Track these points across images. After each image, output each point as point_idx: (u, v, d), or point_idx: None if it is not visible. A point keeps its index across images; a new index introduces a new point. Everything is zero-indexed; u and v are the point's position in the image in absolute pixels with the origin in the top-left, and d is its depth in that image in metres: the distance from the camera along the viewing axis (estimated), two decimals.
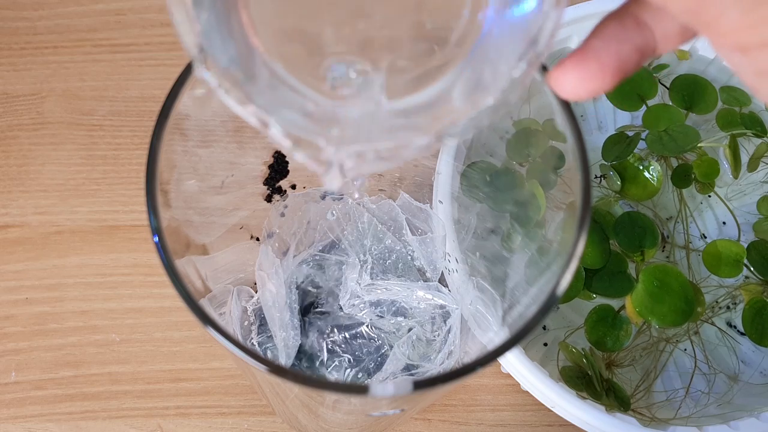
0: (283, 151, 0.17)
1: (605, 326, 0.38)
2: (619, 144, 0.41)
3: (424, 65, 0.17)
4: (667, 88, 0.42)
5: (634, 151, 0.41)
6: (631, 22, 0.17)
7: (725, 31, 0.14)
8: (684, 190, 0.42)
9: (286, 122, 0.17)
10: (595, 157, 0.42)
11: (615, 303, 0.38)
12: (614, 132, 0.43)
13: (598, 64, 0.17)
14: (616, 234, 0.39)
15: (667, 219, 0.42)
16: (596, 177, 0.42)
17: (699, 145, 0.40)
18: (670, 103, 0.42)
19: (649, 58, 0.18)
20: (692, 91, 0.42)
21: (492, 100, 0.17)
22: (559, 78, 0.17)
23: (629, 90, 0.41)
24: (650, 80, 0.42)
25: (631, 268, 0.39)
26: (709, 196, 0.44)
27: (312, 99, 0.18)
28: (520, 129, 0.35)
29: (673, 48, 0.18)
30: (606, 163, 0.41)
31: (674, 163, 0.42)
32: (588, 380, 0.37)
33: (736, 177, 0.41)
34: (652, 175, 0.40)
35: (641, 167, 0.40)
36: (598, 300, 0.39)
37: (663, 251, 0.41)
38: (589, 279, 0.38)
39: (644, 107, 0.41)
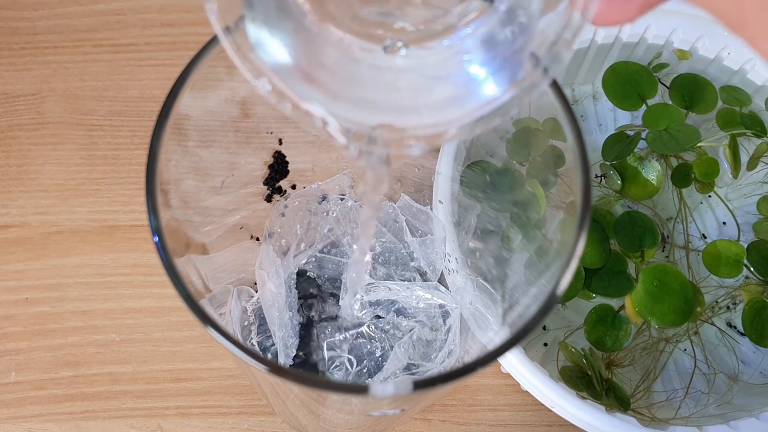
0: (337, 145, 0.18)
1: (605, 326, 0.38)
2: (619, 143, 0.41)
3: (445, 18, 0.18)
4: (667, 87, 0.42)
5: (634, 150, 0.41)
6: None
7: (764, 51, 0.16)
8: (684, 190, 0.42)
9: (340, 114, 0.18)
10: (596, 156, 0.42)
11: (614, 303, 0.38)
12: (613, 131, 0.43)
13: None
14: (615, 233, 0.39)
15: (668, 219, 0.42)
16: (596, 176, 0.42)
17: (699, 144, 0.40)
18: (670, 103, 0.42)
19: None
20: (692, 90, 0.42)
21: (506, 97, 0.18)
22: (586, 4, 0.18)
23: (629, 89, 0.41)
24: (650, 80, 0.42)
25: (631, 268, 0.39)
26: (709, 196, 0.44)
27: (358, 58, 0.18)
28: (520, 128, 0.35)
29: None
30: (606, 162, 0.41)
31: (674, 162, 0.42)
32: (588, 380, 0.37)
33: (735, 177, 0.41)
34: (651, 174, 0.40)
35: (641, 167, 0.40)
36: (598, 300, 0.39)
37: (663, 251, 0.42)
38: (588, 278, 0.38)
39: (644, 107, 0.41)
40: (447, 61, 0.18)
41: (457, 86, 0.18)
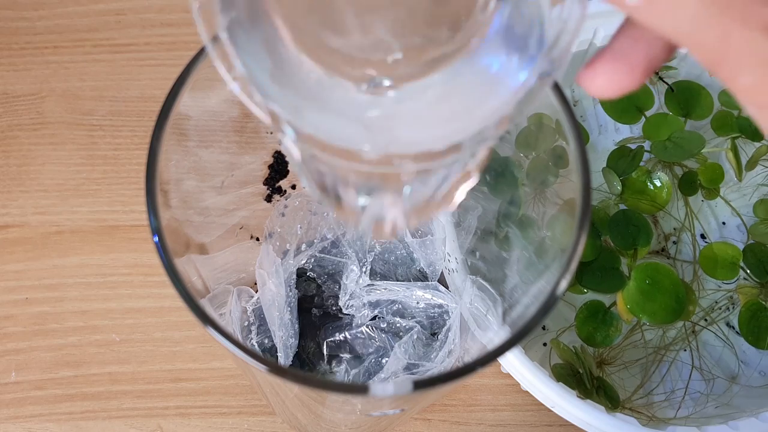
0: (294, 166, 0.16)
1: (595, 322, 0.38)
2: (623, 158, 0.41)
3: (437, 48, 0.16)
4: (672, 88, 0.42)
5: (640, 164, 0.41)
6: None
7: (741, 88, 0.15)
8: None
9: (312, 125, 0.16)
10: (595, 157, 0.42)
11: (606, 299, 0.39)
12: (614, 132, 0.43)
13: (628, 66, 0.17)
14: (610, 231, 0.39)
15: (674, 229, 0.42)
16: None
17: (702, 150, 0.40)
18: (668, 112, 0.42)
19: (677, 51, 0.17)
20: (688, 97, 0.42)
21: (507, 109, 0.16)
22: (589, 78, 0.17)
23: (627, 103, 0.42)
24: (646, 91, 0.42)
25: (623, 266, 0.39)
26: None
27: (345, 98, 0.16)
28: (534, 122, 0.35)
29: None
30: (609, 169, 0.41)
31: (678, 171, 0.42)
32: (579, 378, 0.37)
33: (740, 179, 0.41)
34: (660, 187, 0.40)
35: (649, 181, 0.40)
36: (590, 295, 0.39)
37: (666, 256, 0.42)
38: (580, 273, 0.38)
39: (643, 118, 0.41)
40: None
41: (468, 96, 0.16)
